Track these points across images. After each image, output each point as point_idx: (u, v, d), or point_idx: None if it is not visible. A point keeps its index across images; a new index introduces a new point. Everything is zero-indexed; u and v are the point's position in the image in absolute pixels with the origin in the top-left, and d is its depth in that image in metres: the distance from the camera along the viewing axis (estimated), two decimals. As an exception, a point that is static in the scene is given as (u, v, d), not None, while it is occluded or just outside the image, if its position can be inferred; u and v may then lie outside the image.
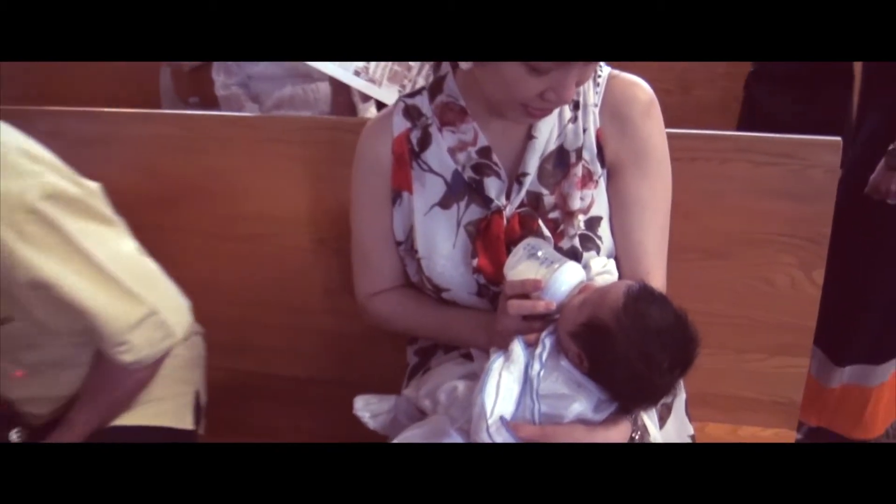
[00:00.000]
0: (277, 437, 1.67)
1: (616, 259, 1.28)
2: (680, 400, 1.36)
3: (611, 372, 1.09)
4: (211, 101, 2.64)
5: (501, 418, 1.08)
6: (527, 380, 1.13)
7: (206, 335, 1.54)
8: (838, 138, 1.41)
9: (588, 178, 1.26)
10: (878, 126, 1.94)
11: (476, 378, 1.29)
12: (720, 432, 1.55)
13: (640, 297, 1.10)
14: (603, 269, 1.23)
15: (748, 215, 1.45)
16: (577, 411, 1.10)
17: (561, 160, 1.26)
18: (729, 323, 1.16)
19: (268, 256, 1.64)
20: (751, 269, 1.47)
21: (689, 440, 1.36)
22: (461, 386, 1.18)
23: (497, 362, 1.15)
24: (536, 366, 1.12)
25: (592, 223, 1.26)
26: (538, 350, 1.14)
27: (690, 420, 1.40)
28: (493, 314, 1.25)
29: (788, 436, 1.53)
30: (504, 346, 1.18)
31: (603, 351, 1.08)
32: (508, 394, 1.12)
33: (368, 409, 1.32)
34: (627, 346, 1.07)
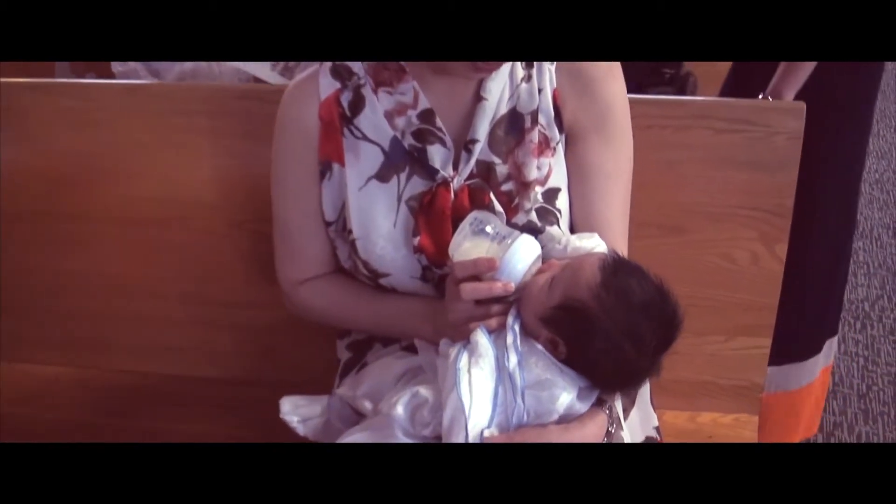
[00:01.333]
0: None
1: (574, 233, 1.15)
2: (644, 388, 1.24)
3: (593, 357, 0.97)
4: (108, 77, 2.44)
5: (481, 434, 0.96)
6: (501, 375, 1.00)
7: (104, 335, 1.35)
8: (802, 102, 1.31)
9: (545, 144, 1.13)
10: None
11: (421, 373, 1.16)
12: (679, 420, 1.45)
13: (619, 270, 0.98)
14: (565, 243, 1.10)
15: (707, 187, 1.34)
16: (566, 403, 0.98)
17: (514, 125, 1.13)
18: (687, 304, 1.06)
19: (175, 243, 1.46)
20: (710, 245, 1.37)
21: (653, 432, 1.25)
22: (424, 392, 1.03)
23: (462, 359, 1.02)
24: (513, 357, 0.99)
25: (550, 195, 1.13)
26: (508, 339, 1.01)
27: (654, 409, 1.29)
28: (440, 301, 1.11)
29: (750, 421, 1.44)
30: (458, 338, 1.05)
31: (584, 334, 0.97)
32: (483, 394, 0.98)
33: (297, 413, 1.17)
34: (611, 326, 0.95)
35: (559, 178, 1.12)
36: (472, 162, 1.10)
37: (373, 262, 1.12)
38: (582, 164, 1.13)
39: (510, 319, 1.02)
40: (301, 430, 1.16)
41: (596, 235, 1.10)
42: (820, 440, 2.11)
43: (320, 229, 1.17)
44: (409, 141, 1.10)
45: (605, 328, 0.95)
